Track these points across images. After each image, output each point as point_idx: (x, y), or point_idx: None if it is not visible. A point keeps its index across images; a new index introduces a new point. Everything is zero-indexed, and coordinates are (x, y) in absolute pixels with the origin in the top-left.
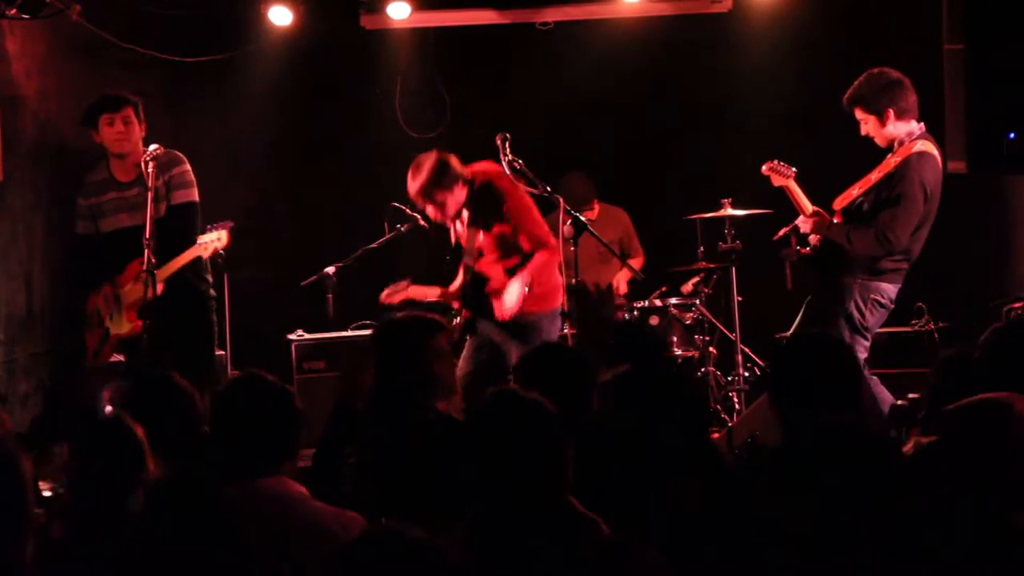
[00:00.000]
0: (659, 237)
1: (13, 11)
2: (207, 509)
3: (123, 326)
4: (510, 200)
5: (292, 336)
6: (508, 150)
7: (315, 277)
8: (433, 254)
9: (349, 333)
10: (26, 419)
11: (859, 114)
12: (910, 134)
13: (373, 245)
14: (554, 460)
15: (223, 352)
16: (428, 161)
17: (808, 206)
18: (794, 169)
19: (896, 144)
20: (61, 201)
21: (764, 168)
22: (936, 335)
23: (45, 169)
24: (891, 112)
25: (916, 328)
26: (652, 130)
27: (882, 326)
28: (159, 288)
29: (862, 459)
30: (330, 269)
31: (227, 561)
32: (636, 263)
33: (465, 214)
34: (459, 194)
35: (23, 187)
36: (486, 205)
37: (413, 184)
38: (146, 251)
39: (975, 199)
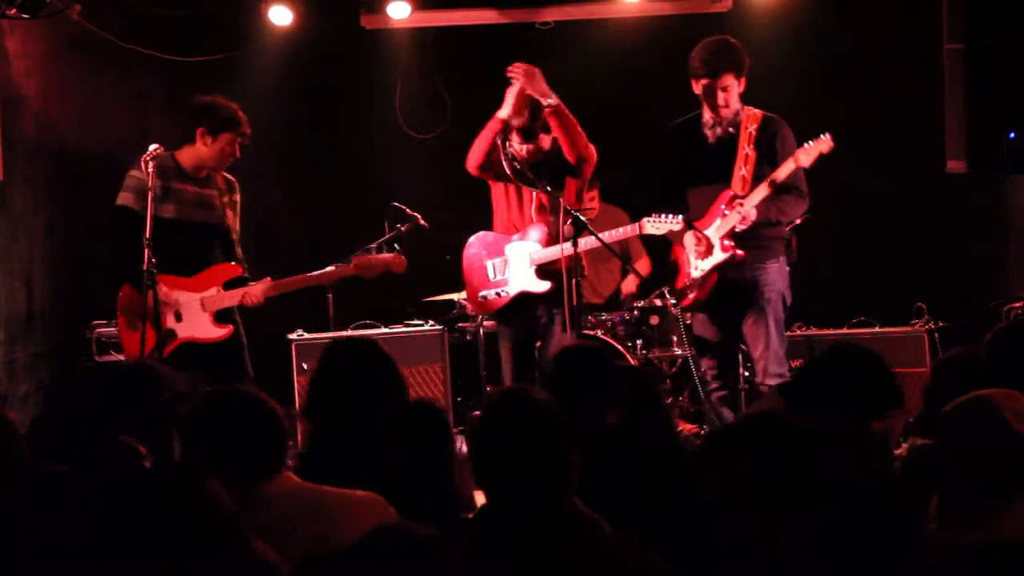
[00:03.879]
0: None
1: (13, 11)
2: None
3: (208, 330)
4: None
5: (292, 336)
6: (508, 149)
7: None
8: (433, 254)
9: (349, 333)
10: (26, 419)
11: (730, 80)
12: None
13: (373, 245)
14: (557, 460)
15: None
16: None
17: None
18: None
19: (733, 115)
20: (61, 201)
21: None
22: (936, 335)
23: (45, 169)
24: (744, 81)
25: (916, 328)
26: (652, 130)
27: (882, 326)
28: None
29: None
30: (330, 269)
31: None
32: (641, 266)
33: None
34: None
35: (23, 187)
36: None
37: None
38: (146, 251)
39: (975, 199)
